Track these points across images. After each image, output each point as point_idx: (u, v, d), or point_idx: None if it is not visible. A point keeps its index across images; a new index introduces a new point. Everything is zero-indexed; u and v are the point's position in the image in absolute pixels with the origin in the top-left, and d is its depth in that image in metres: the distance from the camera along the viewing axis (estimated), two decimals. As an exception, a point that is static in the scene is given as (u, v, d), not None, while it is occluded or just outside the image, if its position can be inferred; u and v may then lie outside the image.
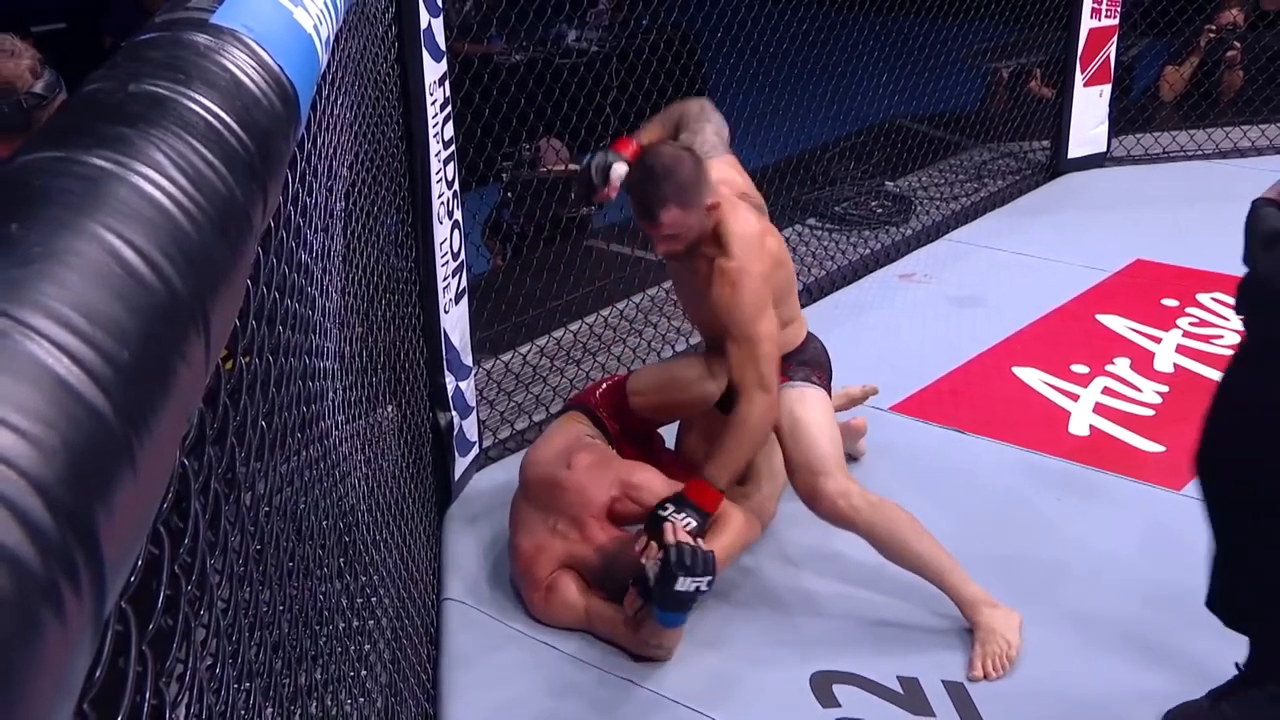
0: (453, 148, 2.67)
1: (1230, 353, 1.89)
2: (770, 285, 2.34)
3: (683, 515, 2.21)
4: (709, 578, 2.11)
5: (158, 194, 0.55)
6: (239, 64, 0.72)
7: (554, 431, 2.58)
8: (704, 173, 2.27)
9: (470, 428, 2.88)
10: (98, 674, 0.49)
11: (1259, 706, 1.84)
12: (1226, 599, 1.84)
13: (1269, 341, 1.71)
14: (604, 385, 2.67)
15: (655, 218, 2.23)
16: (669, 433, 2.72)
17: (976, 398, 3.16)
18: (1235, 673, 1.88)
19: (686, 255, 2.36)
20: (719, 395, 2.48)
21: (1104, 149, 4.98)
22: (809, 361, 2.51)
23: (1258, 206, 1.76)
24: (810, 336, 2.57)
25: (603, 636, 2.31)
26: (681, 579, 2.09)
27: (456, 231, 2.73)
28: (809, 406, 2.40)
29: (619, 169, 2.38)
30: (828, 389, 2.52)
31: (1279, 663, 1.84)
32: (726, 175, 2.45)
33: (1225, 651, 1.94)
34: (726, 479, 2.29)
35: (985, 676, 2.15)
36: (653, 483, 2.37)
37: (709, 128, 2.54)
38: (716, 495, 2.27)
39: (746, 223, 2.34)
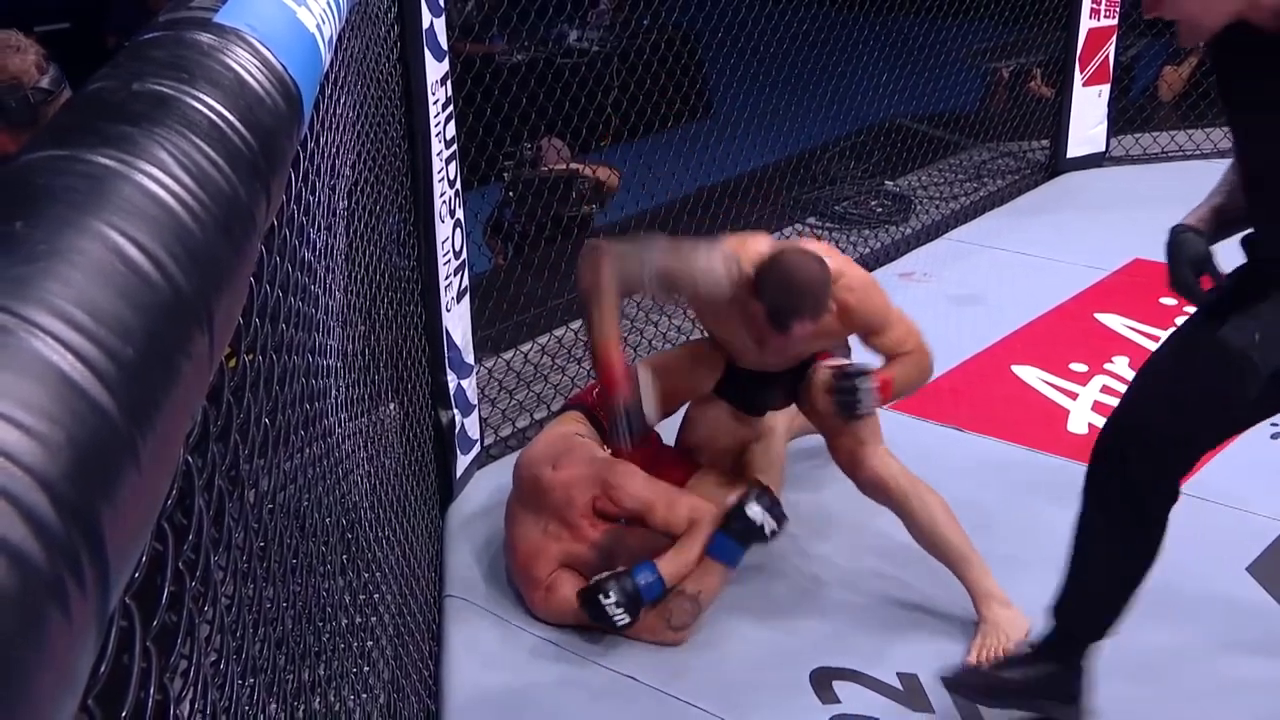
0: (454, 147, 2.68)
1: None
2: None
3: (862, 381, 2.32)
4: (779, 523, 2.24)
5: (162, 192, 0.55)
6: (242, 63, 0.73)
7: (546, 432, 2.61)
8: (829, 281, 2.25)
9: (472, 425, 2.88)
10: (102, 669, 0.49)
11: (1037, 679, 2.01)
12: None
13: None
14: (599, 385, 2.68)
15: (789, 330, 2.21)
16: (668, 433, 2.72)
17: (976, 396, 3.16)
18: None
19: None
20: (714, 383, 2.50)
21: (1103, 149, 4.97)
22: (842, 344, 2.57)
23: (1178, 232, 1.78)
24: None
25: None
26: (768, 520, 2.22)
27: (458, 230, 2.74)
28: None
29: (648, 405, 2.33)
30: None
31: (1062, 646, 1.98)
32: (762, 246, 2.42)
33: (1222, 650, 1.95)
34: (899, 387, 2.38)
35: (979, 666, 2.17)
36: (631, 481, 2.38)
37: (646, 254, 2.36)
38: (889, 381, 2.35)
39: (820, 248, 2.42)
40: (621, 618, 2.19)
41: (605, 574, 2.23)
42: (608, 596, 2.18)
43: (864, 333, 2.38)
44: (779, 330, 2.23)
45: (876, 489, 2.36)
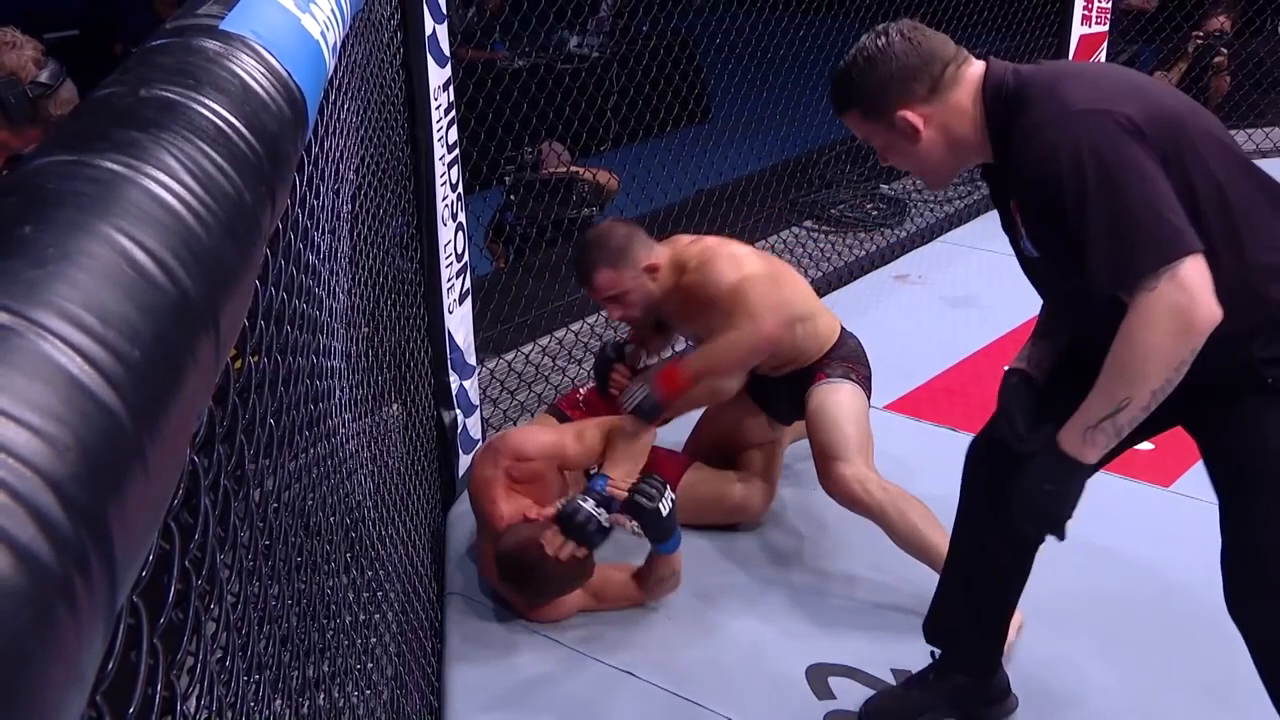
0: (457, 151, 2.69)
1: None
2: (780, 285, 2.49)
3: (638, 389, 2.44)
4: (667, 491, 2.23)
5: (168, 197, 0.55)
6: (248, 69, 0.73)
7: None
8: (636, 237, 2.44)
9: (474, 426, 2.89)
10: (110, 666, 0.50)
11: (943, 695, 2.05)
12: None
13: None
14: (585, 390, 2.74)
15: (592, 282, 2.43)
16: (674, 433, 2.73)
17: (970, 396, 3.16)
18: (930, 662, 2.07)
19: (649, 318, 2.50)
20: (736, 389, 2.57)
21: None
22: (847, 357, 2.58)
23: (1008, 377, 1.81)
24: (845, 334, 2.65)
25: (615, 605, 2.37)
26: (661, 503, 2.20)
27: (460, 233, 2.75)
28: (839, 398, 2.48)
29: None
30: (866, 383, 2.58)
31: (968, 658, 2.03)
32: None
33: (1215, 646, 1.95)
34: (697, 367, 2.45)
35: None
36: (526, 435, 2.46)
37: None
38: (680, 379, 2.43)
39: (708, 239, 2.53)
40: (602, 516, 2.19)
41: (562, 501, 2.24)
42: (584, 503, 2.19)
43: (703, 304, 2.43)
44: (586, 288, 2.46)
45: (853, 503, 2.38)
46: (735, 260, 2.43)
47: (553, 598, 2.31)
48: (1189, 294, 1.46)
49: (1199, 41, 5.23)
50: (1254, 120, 5.22)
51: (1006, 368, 1.83)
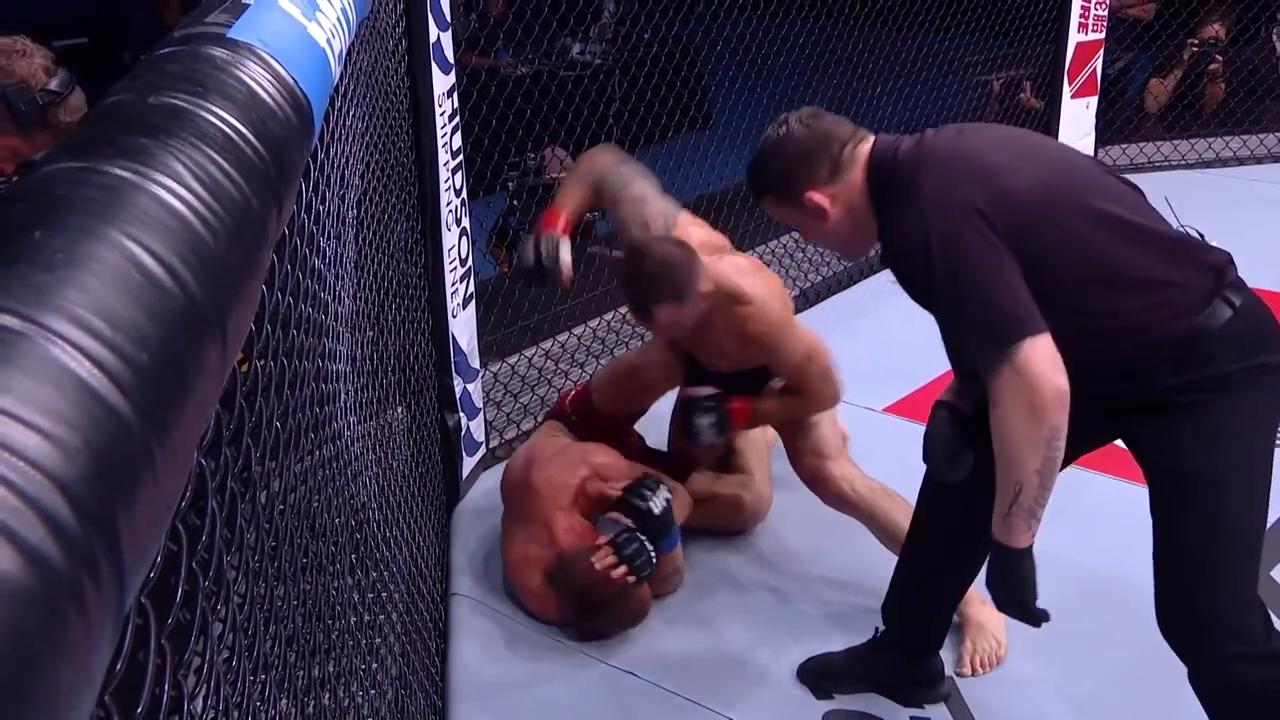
0: (461, 157, 2.70)
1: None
2: (788, 307, 2.42)
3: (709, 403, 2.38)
4: (661, 490, 2.28)
5: (176, 203, 0.56)
6: (255, 77, 0.74)
7: (526, 444, 2.64)
8: (696, 265, 2.23)
9: (477, 428, 2.90)
10: (118, 666, 0.50)
11: (874, 668, 2.15)
12: None
13: None
14: (573, 392, 2.72)
15: (652, 316, 2.22)
16: (663, 439, 2.73)
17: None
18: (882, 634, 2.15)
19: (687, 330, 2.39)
20: (674, 379, 2.52)
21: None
22: None
23: (936, 409, 1.86)
24: None
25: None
26: (653, 502, 2.27)
27: (464, 238, 2.76)
28: None
29: (565, 253, 2.35)
30: None
31: (902, 638, 2.11)
32: (694, 234, 2.45)
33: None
34: (765, 416, 2.42)
35: (973, 673, 2.18)
36: (617, 464, 2.42)
37: (638, 182, 2.45)
38: (748, 410, 2.39)
39: (739, 267, 2.40)
40: (650, 551, 2.25)
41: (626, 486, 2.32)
42: (648, 494, 2.25)
43: (763, 348, 2.34)
44: (643, 319, 2.26)
45: (838, 502, 2.38)
46: (792, 327, 2.36)
47: (612, 633, 2.33)
48: (1029, 378, 1.52)
49: (1194, 49, 5.27)
50: (1248, 126, 5.28)
51: (935, 401, 1.89)
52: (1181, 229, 1.84)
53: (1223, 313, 1.59)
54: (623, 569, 2.22)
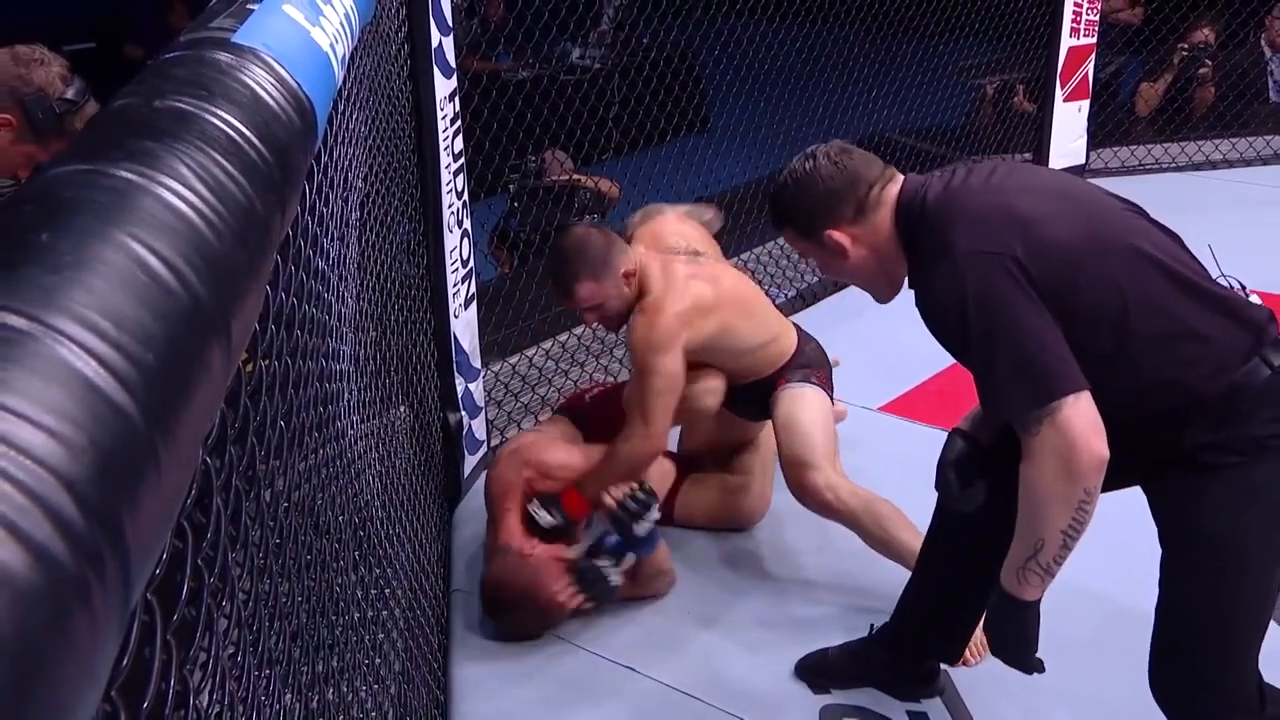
0: (462, 160, 2.71)
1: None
2: (690, 326, 2.35)
3: (546, 512, 2.35)
4: (653, 504, 2.25)
5: (181, 205, 0.56)
6: (259, 81, 0.74)
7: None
8: (613, 244, 2.34)
9: (479, 427, 2.91)
10: (124, 662, 0.50)
11: (871, 663, 2.15)
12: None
13: None
14: (595, 391, 2.72)
15: (572, 294, 2.34)
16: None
17: (963, 399, 3.15)
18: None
19: (624, 323, 2.41)
20: (717, 405, 2.52)
21: (1083, 161, 5.08)
22: (806, 364, 2.56)
23: (951, 438, 1.85)
24: (804, 340, 2.62)
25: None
26: (638, 525, 2.23)
27: (466, 240, 2.77)
28: (804, 405, 2.46)
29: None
30: (827, 384, 2.57)
31: (896, 639, 2.11)
32: (673, 229, 2.53)
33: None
34: (591, 494, 2.35)
35: (965, 663, 2.19)
36: (552, 450, 2.44)
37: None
38: (582, 503, 2.37)
39: (670, 270, 2.40)
40: (613, 577, 2.26)
41: (577, 557, 2.30)
42: (600, 562, 2.25)
43: (630, 336, 2.38)
44: (564, 297, 2.37)
45: (824, 510, 2.38)
46: (656, 358, 2.28)
47: (520, 636, 2.34)
48: (1068, 438, 1.48)
49: (1184, 53, 5.30)
50: (1238, 130, 5.30)
51: (952, 429, 1.87)
52: (1223, 278, 1.78)
53: (1261, 372, 1.53)
54: (580, 599, 2.27)
